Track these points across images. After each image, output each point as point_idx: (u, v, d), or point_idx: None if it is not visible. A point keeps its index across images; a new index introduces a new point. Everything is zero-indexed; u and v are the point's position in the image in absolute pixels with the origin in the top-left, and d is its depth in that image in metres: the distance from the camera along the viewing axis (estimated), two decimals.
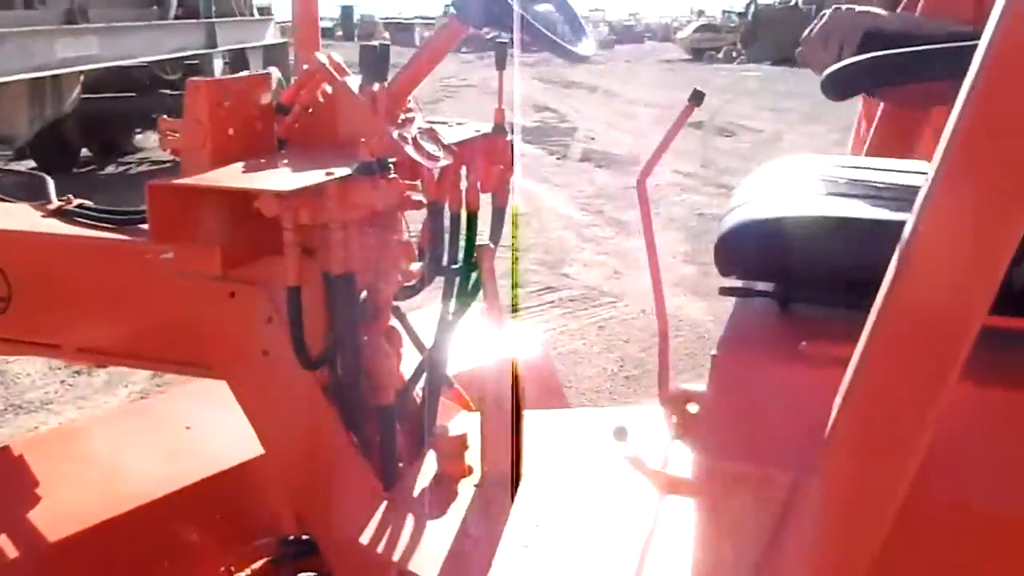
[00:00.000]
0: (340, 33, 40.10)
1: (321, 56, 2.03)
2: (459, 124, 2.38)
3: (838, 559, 1.30)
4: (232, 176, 1.75)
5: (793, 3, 31.69)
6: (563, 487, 2.22)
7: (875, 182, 1.85)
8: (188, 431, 2.68)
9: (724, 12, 40.97)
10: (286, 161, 1.89)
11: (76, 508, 2.36)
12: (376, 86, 1.89)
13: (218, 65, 11.14)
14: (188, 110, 1.83)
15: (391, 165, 1.81)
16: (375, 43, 1.82)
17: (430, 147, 2.05)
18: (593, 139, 14.58)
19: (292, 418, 2.14)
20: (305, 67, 2.06)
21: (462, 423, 2.46)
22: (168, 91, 11.10)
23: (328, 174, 1.74)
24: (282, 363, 2.06)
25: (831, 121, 14.88)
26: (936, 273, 1.16)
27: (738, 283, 1.69)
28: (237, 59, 11.85)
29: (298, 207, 1.75)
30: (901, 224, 1.52)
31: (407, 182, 1.88)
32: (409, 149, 1.94)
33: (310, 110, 2.07)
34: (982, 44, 1.08)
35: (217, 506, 2.50)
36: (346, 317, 1.91)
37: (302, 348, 1.94)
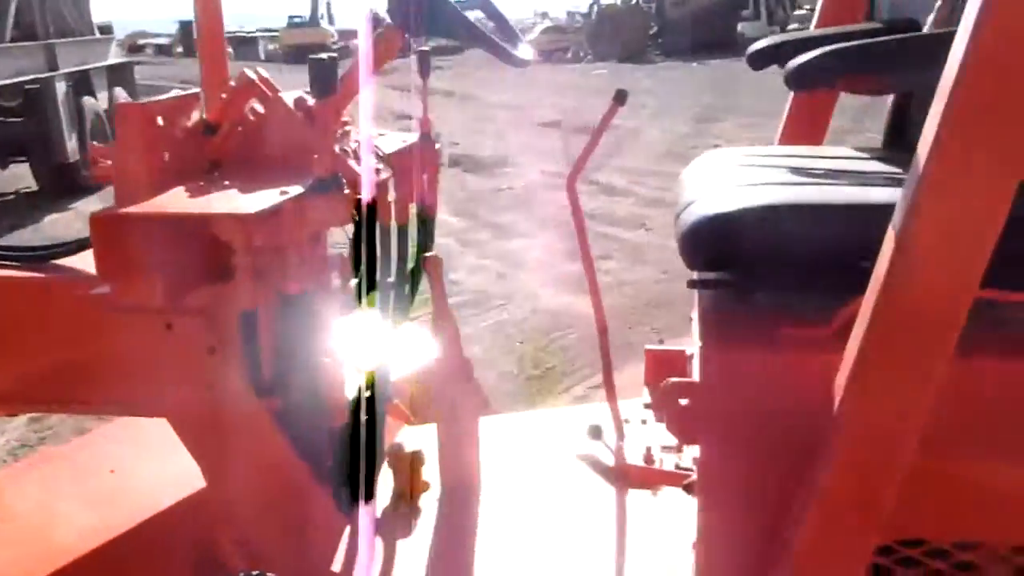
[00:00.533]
0: (180, 49, 38.56)
1: (249, 72, 1.95)
2: (381, 135, 2.34)
3: (848, 534, 1.35)
4: (182, 202, 1.66)
5: (635, 1, 32.64)
6: (526, 493, 2.22)
7: (814, 168, 1.93)
8: (113, 475, 2.52)
9: (568, 13, 41.75)
10: (227, 183, 1.81)
11: (2, 571, 2.19)
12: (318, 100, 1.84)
13: (61, 88, 10.51)
14: (120, 135, 1.73)
15: (344, 181, 1.77)
16: (323, 56, 1.77)
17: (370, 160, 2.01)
18: (457, 144, 14.58)
19: (242, 451, 2.04)
20: (232, 83, 1.98)
21: (409, 437, 2.42)
22: (6, 118, 10.42)
23: (283, 193, 1.67)
24: (229, 395, 1.97)
25: (680, 115, 15.43)
26: (930, 250, 1.21)
27: (707, 275, 1.73)
28: (80, 82, 11.22)
29: (253, 229, 1.68)
30: (860, 206, 1.59)
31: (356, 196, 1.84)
32: (352, 163, 1.90)
33: (240, 128, 1.99)
34: (964, 30, 1.14)
35: (156, 552, 2.37)
36: (304, 338, 1.85)
37: (259, 375, 1.87)
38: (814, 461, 1.36)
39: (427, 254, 2.14)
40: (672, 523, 2.05)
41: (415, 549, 1.98)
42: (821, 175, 1.88)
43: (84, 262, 2.02)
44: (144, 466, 2.50)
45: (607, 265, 7.76)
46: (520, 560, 1.95)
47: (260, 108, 1.98)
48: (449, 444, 2.15)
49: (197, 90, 1.96)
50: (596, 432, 2.00)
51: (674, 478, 1.79)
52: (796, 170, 1.92)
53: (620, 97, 2.37)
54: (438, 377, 2.14)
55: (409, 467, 2.17)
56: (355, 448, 2.16)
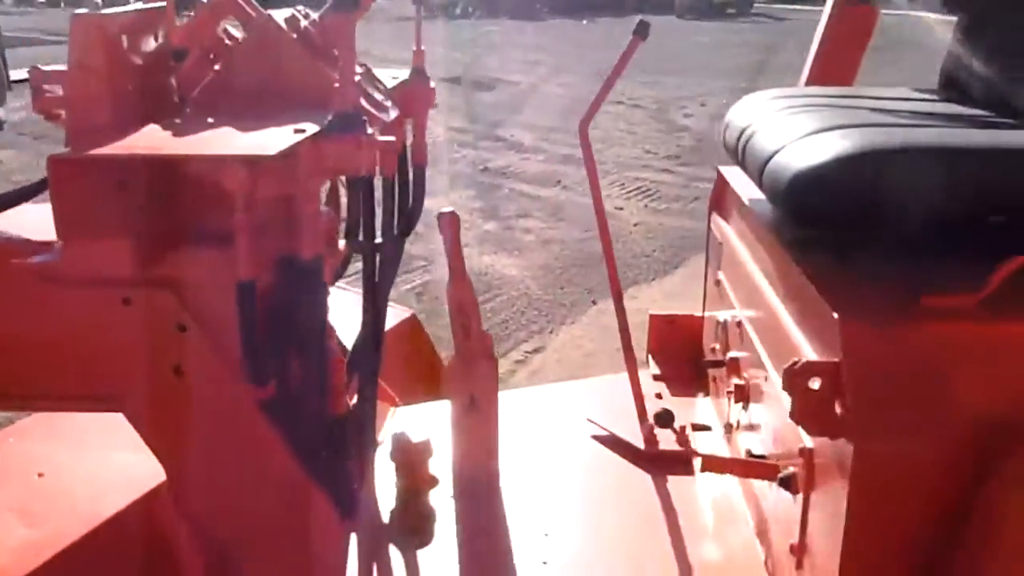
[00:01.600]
0: None
1: None
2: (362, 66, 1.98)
3: None
4: (169, 142, 1.29)
5: None
6: (548, 482, 1.93)
7: (895, 109, 1.68)
8: (42, 479, 2.11)
9: None
10: (211, 120, 1.43)
11: None
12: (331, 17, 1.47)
13: None
14: (76, 56, 1.33)
15: (366, 118, 1.42)
16: None
17: (377, 96, 1.66)
18: None
19: (220, 449, 1.68)
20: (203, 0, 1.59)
21: (402, 423, 2.10)
22: None
23: (297, 131, 1.31)
24: (204, 381, 1.61)
25: (579, 72, 15.20)
26: None
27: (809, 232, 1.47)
28: None
29: (267, 176, 1.31)
30: (992, 150, 1.35)
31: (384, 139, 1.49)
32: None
33: (212, 56, 1.60)
34: None
35: (100, 569, 1.98)
36: (317, 312, 1.51)
37: (256, 359, 1.51)
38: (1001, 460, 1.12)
39: (444, 210, 1.81)
40: (728, 510, 1.81)
41: (437, 559, 1.67)
42: (909, 117, 1.64)
43: (13, 223, 1.61)
44: (79, 467, 2.10)
45: (528, 223, 7.49)
46: (566, 562, 1.68)
47: (237, 31, 1.60)
48: (466, 435, 1.84)
49: (161, 3, 1.56)
50: (667, 419, 1.74)
51: (759, 469, 1.54)
52: (877, 111, 1.67)
53: (642, 30, 2.08)
54: (456, 354, 1.82)
55: (416, 461, 1.85)
56: (355, 441, 1.84)
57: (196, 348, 1.58)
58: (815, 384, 1.25)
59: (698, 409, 2.17)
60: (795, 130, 1.52)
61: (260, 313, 1.57)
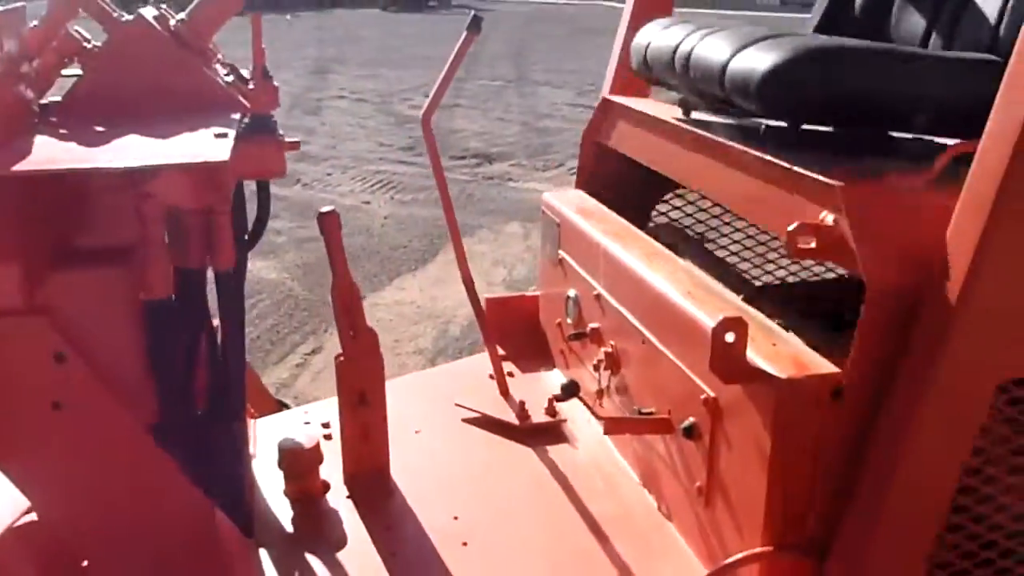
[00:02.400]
0: None
1: None
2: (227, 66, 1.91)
3: None
4: (76, 153, 1.19)
5: None
6: (438, 468, 1.97)
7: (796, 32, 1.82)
8: None
9: None
10: (101, 129, 1.34)
11: None
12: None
13: None
14: None
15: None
16: None
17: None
18: None
19: (107, 486, 1.57)
20: None
21: (266, 434, 2.05)
22: None
23: (219, 136, 1.27)
24: (87, 413, 1.50)
25: (296, 68, 14.88)
26: None
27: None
28: None
29: (207, 184, 1.26)
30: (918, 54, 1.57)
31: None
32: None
33: (68, 59, 1.49)
34: None
35: None
36: (236, 321, 1.45)
37: (167, 381, 1.43)
38: None
39: (324, 209, 1.79)
40: (610, 470, 1.95)
41: (356, 564, 1.67)
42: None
43: None
44: None
45: (279, 225, 7.29)
46: (483, 540, 1.73)
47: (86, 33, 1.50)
48: (357, 433, 1.84)
49: (21, 3, 1.41)
50: (573, 389, 1.81)
51: (657, 425, 1.68)
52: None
53: (475, 25, 2.15)
54: (344, 352, 1.81)
55: (308, 467, 1.83)
56: (235, 454, 1.78)
57: (76, 378, 1.46)
58: (731, 337, 1.41)
59: (551, 381, 2.30)
60: (735, 41, 1.62)
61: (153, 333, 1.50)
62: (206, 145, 1.21)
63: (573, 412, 2.14)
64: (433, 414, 2.18)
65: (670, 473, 1.75)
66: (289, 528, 1.75)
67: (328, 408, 2.15)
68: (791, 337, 1.53)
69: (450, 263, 6.76)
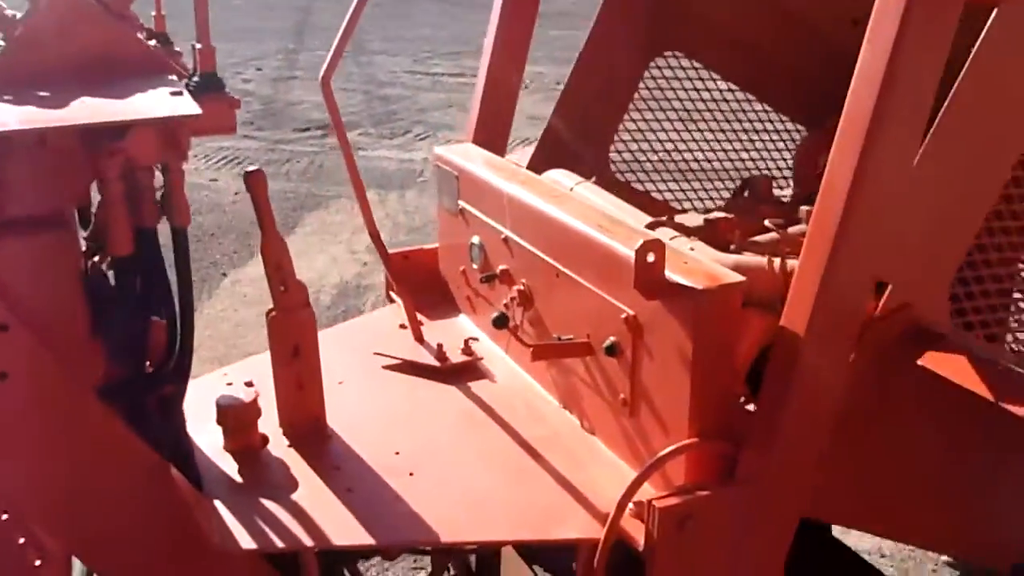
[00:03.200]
0: None
1: None
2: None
3: None
4: (36, 115, 1.21)
5: None
6: (371, 415, 2.07)
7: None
8: None
9: None
10: (46, 94, 1.36)
11: None
12: None
13: None
14: None
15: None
16: None
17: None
18: None
19: (56, 451, 1.59)
20: None
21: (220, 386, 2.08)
22: None
23: (175, 95, 1.32)
24: (35, 383, 1.53)
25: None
26: None
27: None
28: None
29: (146, 143, 1.30)
30: None
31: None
32: None
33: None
34: None
35: None
36: (188, 280, 1.50)
37: (125, 340, 1.48)
38: None
39: (250, 168, 1.83)
40: (531, 398, 2.10)
41: (281, 510, 1.74)
42: None
43: None
44: None
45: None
46: (429, 469, 1.85)
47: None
48: (294, 380, 1.91)
49: None
50: (505, 320, 1.93)
51: (579, 348, 1.84)
52: None
53: None
54: (276, 307, 1.87)
55: (246, 421, 1.89)
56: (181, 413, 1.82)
57: (21, 348, 1.48)
58: (651, 258, 1.58)
59: (460, 327, 2.42)
60: None
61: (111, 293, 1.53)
62: (169, 102, 1.27)
63: (489, 351, 2.28)
64: (353, 365, 2.26)
65: (591, 392, 1.91)
66: (238, 479, 1.81)
67: (248, 368, 2.20)
68: (698, 255, 1.72)
69: (310, 235, 6.74)
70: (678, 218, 2.26)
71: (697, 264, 1.66)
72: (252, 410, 1.88)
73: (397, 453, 1.90)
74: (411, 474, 1.83)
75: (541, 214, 2.00)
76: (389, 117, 9.62)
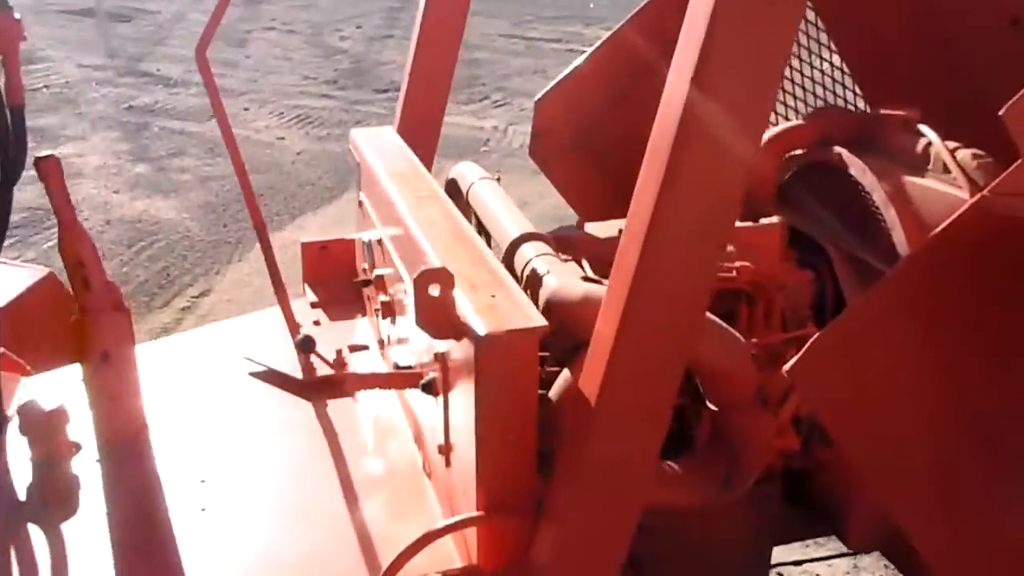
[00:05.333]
0: None
1: None
2: None
3: None
4: None
5: None
6: (206, 428, 1.87)
7: None
8: None
9: None
10: None
11: None
12: None
13: None
14: None
15: None
16: None
17: None
18: None
19: None
20: None
21: (35, 392, 1.93)
22: None
23: None
24: None
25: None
26: None
27: None
28: None
29: None
30: None
31: None
32: None
33: None
34: None
35: None
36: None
37: None
38: None
39: (42, 154, 1.64)
40: (388, 425, 1.85)
41: (86, 525, 1.57)
42: None
43: None
44: None
45: (184, 162, 7.07)
46: (225, 504, 1.64)
47: None
48: (105, 392, 1.72)
49: None
50: (308, 345, 1.70)
51: (401, 379, 1.58)
52: None
53: None
54: (81, 309, 1.68)
55: (52, 429, 1.71)
56: None
57: None
58: (435, 291, 1.30)
59: (357, 331, 2.19)
60: None
61: None
62: None
63: (364, 364, 2.03)
64: (222, 367, 2.06)
65: (427, 431, 1.65)
66: (20, 492, 1.65)
67: None
68: (518, 292, 1.42)
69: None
70: (593, 227, 1.96)
71: (508, 299, 1.37)
72: (53, 419, 1.70)
73: (203, 481, 1.69)
74: (203, 509, 1.62)
75: (399, 219, 1.74)
76: (471, 82, 9.36)
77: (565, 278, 1.55)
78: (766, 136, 2.14)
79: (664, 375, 1.27)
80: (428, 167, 2.41)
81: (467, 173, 2.09)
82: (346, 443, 1.79)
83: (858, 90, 2.50)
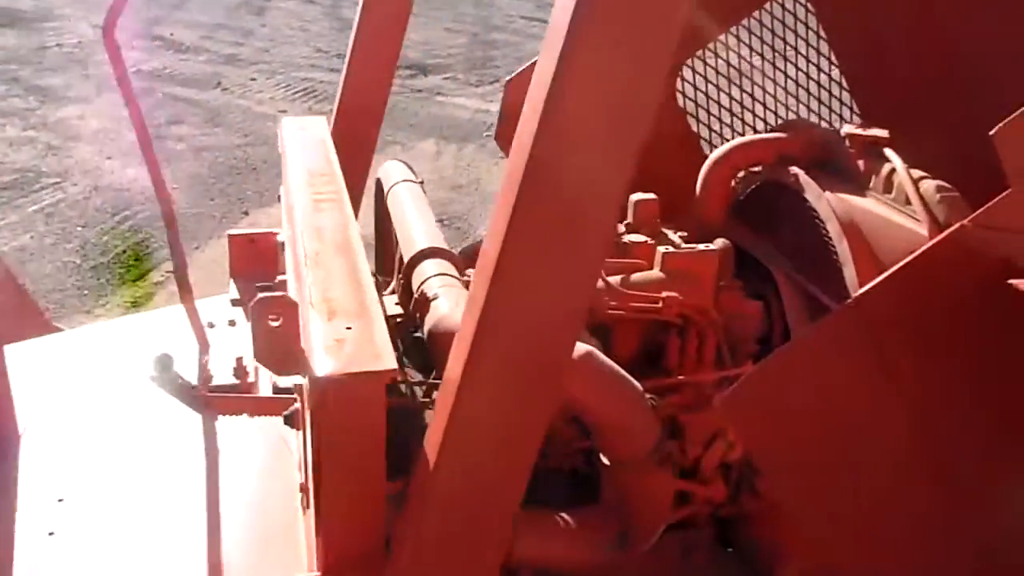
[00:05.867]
0: None
1: None
2: None
3: None
4: None
5: None
6: (86, 437, 1.73)
7: None
8: None
9: None
10: None
11: None
12: None
13: None
14: None
15: None
16: None
17: None
18: None
19: None
20: None
21: None
22: None
23: None
24: None
25: None
26: None
27: None
28: None
29: None
30: None
31: None
32: None
33: None
34: None
35: None
36: None
37: None
38: None
39: None
40: (278, 445, 1.71)
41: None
42: None
43: None
44: None
45: (180, 131, 6.94)
46: (96, 513, 1.50)
47: None
48: None
49: None
50: (165, 364, 1.56)
51: (270, 406, 1.44)
52: None
53: None
54: None
55: None
56: None
57: None
58: (275, 322, 1.14)
59: None
60: None
61: None
62: None
63: (265, 375, 1.89)
64: (123, 368, 1.92)
65: (300, 464, 1.51)
66: None
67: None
68: (378, 324, 1.25)
69: None
70: None
71: (364, 333, 1.21)
72: None
73: (60, 500, 1.55)
74: (51, 533, 1.48)
75: (293, 223, 1.59)
76: (485, 63, 9.16)
77: (454, 305, 1.39)
78: (721, 151, 1.96)
79: (519, 421, 1.11)
80: (367, 161, 2.26)
81: (392, 173, 1.93)
82: (231, 464, 1.65)
83: (854, 104, 2.34)
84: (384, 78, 2.24)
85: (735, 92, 2.52)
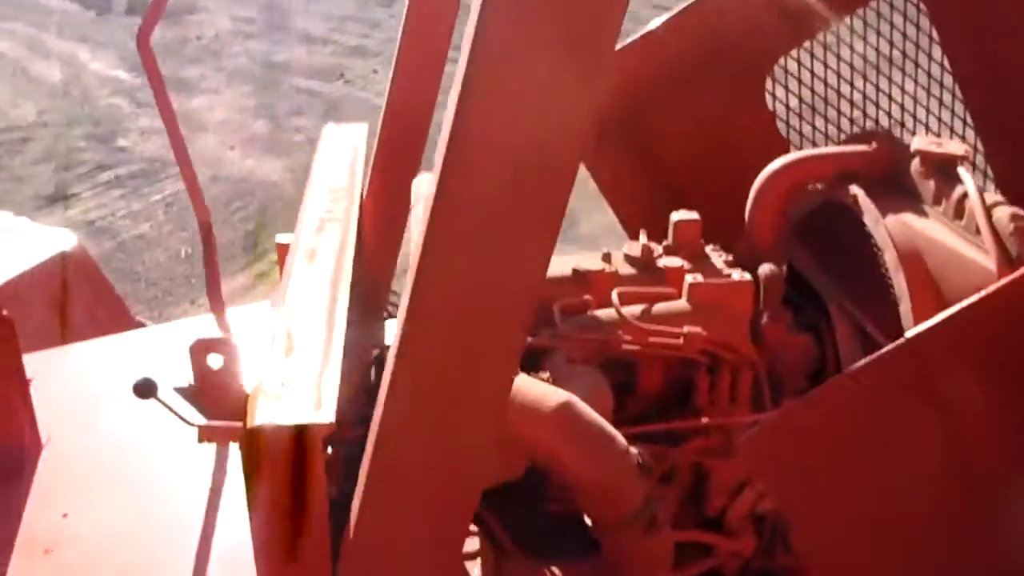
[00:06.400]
0: None
1: None
2: None
3: None
4: None
5: None
6: (101, 449, 1.73)
7: None
8: None
9: None
10: None
11: None
12: None
13: None
14: None
15: None
16: None
17: None
18: None
19: None
20: None
21: None
22: None
23: None
24: None
25: None
26: None
27: None
28: None
29: None
30: None
31: None
32: None
33: None
34: None
35: None
36: None
37: None
38: None
39: None
40: None
41: None
42: None
43: None
44: None
45: (299, 122, 7.10)
46: (68, 545, 1.50)
47: None
48: None
49: None
50: (146, 390, 1.51)
51: None
52: None
53: None
54: None
55: None
56: None
57: None
58: (215, 362, 1.08)
59: None
60: None
61: None
62: None
63: None
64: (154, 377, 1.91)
65: None
66: None
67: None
68: (332, 369, 1.17)
69: None
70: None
71: (313, 380, 1.13)
72: None
73: (65, 515, 1.55)
74: (47, 551, 1.48)
75: (295, 243, 1.53)
76: None
77: None
78: (774, 165, 1.79)
79: (444, 466, 1.01)
80: (414, 167, 2.20)
81: (424, 188, 1.85)
82: (230, 496, 1.60)
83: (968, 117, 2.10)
84: (432, 78, 2.15)
85: (831, 96, 2.33)
